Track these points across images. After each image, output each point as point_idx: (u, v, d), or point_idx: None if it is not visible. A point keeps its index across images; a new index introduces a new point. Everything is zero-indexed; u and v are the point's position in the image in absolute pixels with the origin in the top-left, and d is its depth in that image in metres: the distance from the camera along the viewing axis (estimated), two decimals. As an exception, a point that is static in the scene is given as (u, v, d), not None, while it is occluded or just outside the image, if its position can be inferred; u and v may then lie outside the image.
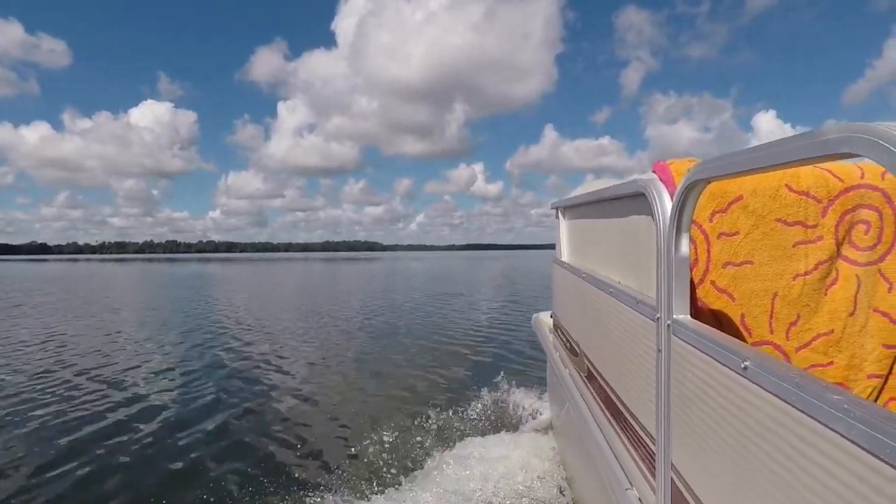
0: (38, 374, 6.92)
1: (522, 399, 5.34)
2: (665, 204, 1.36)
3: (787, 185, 1.53)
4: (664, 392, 1.34)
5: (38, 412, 5.27)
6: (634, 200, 1.66)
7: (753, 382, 0.90)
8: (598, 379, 2.11)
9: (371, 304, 15.59)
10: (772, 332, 1.56)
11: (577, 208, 2.88)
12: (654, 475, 1.44)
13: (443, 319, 11.95)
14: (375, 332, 10.36)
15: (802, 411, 0.76)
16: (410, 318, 12.36)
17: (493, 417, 4.87)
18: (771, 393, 0.85)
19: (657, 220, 1.38)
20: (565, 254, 3.16)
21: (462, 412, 5.07)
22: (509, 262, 55.39)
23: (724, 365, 1.01)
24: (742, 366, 0.93)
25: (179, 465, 4.05)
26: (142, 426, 4.89)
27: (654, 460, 1.43)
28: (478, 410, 5.10)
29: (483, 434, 4.37)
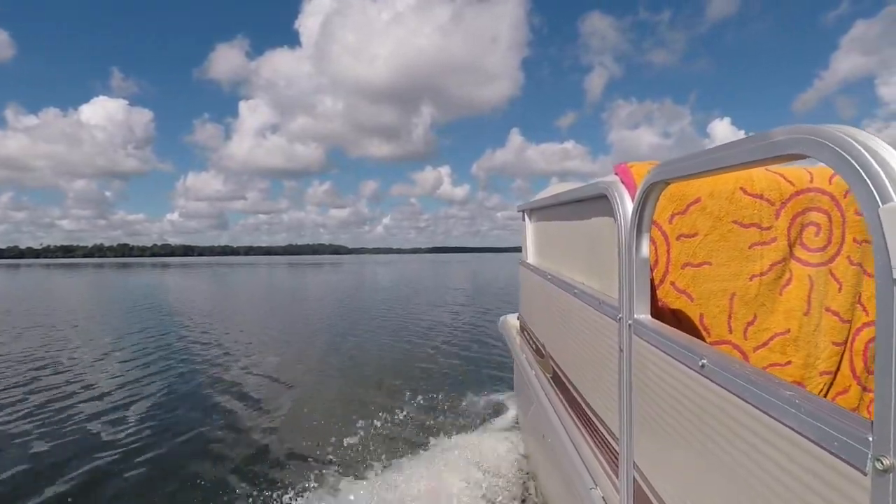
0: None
1: (490, 400, 5.37)
2: (626, 205, 1.39)
3: (742, 189, 1.58)
4: (626, 391, 1.36)
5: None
6: (597, 202, 1.69)
7: (710, 380, 0.92)
8: (564, 379, 2.13)
9: (339, 308, 15.33)
10: (730, 332, 1.60)
11: (542, 210, 2.92)
12: (617, 474, 1.46)
13: (410, 322, 11.86)
14: (343, 334, 10.17)
15: (757, 407, 0.78)
16: (377, 321, 12.21)
17: (460, 418, 4.87)
18: (727, 390, 0.87)
19: (618, 222, 1.40)
20: (531, 256, 3.20)
21: (430, 413, 5.06)
22: (477, 266, 55.66)
23: (682, 363, 1.03)
24: (700, 364, 0.95)
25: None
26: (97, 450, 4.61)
27: (618, 459, 1.45)
28: (445, 411, 5.10)
29: (451, 435, 4.37)
